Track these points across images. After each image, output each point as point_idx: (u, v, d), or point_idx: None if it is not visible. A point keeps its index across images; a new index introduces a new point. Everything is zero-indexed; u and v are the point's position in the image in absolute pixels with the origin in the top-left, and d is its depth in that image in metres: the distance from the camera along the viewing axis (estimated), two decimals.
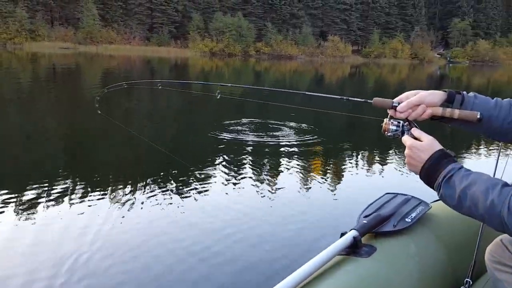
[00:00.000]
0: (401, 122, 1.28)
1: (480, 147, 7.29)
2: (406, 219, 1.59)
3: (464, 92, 1.28)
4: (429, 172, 1.12)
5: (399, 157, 5.95)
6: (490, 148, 7.09)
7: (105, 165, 5.39)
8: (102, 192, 4.19)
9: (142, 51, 48.67)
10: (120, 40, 52.71)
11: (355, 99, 1.43)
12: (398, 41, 65.48)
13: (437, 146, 1.14)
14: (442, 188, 1.08)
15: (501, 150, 2.01)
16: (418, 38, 67.56)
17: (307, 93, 1.64)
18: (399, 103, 1.26)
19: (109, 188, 4.37)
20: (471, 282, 1.49)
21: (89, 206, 3.84)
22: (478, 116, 1.18)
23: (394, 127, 1.28)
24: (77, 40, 49.65)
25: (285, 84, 20.75)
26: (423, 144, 1.15)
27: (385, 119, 1.30)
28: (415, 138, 1.19)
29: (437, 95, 1.26)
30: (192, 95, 11.40)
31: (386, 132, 1.30)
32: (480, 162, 6.31)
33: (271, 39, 57.71)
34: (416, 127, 1.25)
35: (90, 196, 4.07)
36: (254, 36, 57.00)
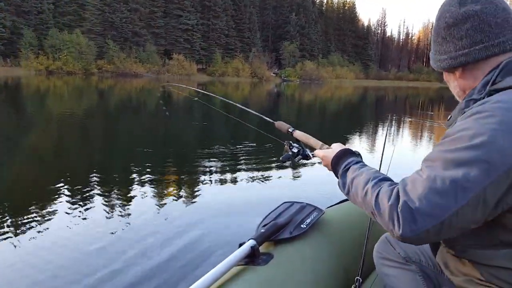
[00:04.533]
0: (301, 148, 1.53)
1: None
2: (302, 226, 1.67)
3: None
4: (335, 166, 1.26)
5: (295, 168, 6.08)
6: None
7: None
8: None
9: None
10: None
11: (265, 117, 1.80)
12: (239, 61, 69.78)
13: (343, 147, 1.34)
14: (340, 178, 1.20)
15: (386, 144, 2.37)
16: (255, 58, 73.21)
17: (238, 105, 2.09)
18: (294, 130, 1.62)
19: None
20: (361, 280, 1.56)
21: None
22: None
23: (296, 150, 1.54)
24: None
25: (132, 103, 20.24)
26: (331, 150, 1.36)
27: (285, 142, 1.57)
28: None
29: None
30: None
31: (286, 152, 1.57)
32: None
33: (113, 57, 55.58)
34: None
35: None
36: (95, 53, 54.09)
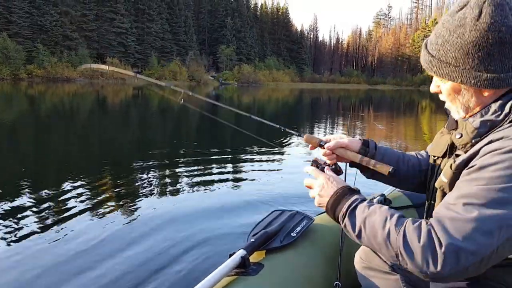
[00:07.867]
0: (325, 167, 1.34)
1: None
2: (292, 234, 1.65)
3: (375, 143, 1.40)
4: (335, 204, 1.13)
5: (286, 176, 5.95)
6: None
7: None
8: None
9: None
10: None
11: (290, 131, 1.56)
12: (176, 64, 69.53)
13: (342, 183, 1.19)
14: (346, 218, 1.08)
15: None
16: (193, 62, 73.41)
17: (252, 116, 1.74)
18: (325, 143, 1.36)
19: None
20: (340, 284, 1.55)
21: None
22: (390, 170, 1.21)
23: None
24: None
25: (64, 109, 19.61)
26: (330, 184, 1.20)
27: (312, 162, 1.37)
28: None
29: (355, 142, 1.36)
30: None
31: None
32: None
33: (44, 61, 53.43)
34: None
35: None
36: (23, 58, 51.57)
